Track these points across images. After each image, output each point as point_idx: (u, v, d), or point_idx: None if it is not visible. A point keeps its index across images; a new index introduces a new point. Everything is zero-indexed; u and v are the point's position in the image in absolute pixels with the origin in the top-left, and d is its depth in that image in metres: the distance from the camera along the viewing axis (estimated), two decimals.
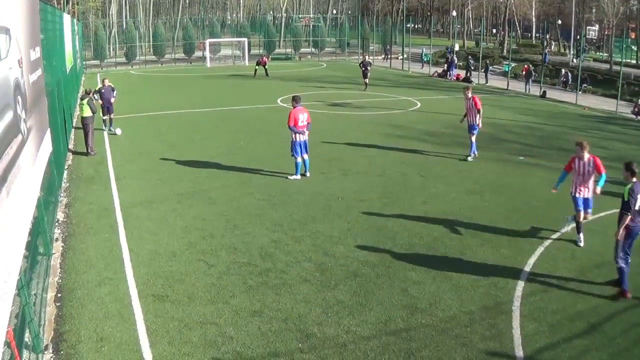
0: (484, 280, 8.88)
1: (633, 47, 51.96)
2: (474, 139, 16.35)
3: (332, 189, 13.53)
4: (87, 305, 8.01)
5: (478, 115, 16.09)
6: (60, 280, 8.77)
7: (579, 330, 7.45)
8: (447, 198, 13.01)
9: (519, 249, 10.09)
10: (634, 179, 8.33)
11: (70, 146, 17.67)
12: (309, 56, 59.08)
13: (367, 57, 36.95)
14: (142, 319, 7.63)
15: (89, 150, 16.78)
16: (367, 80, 32.44)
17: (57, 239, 10.31)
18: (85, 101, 17.00)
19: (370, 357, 6.84)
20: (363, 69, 32.75)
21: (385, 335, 7.31)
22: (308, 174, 14.43)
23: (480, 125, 16.26)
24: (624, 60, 34.41)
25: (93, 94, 18.45)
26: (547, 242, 10.39)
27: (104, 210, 12.06)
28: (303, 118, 13.96)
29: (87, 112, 16.76)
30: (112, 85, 20.47)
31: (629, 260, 8.42)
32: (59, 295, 8.31)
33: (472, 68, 41.14)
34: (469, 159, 16.33)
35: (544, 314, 7.85)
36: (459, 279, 8.92)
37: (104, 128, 19.91)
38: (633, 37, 54.05)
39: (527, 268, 9.31)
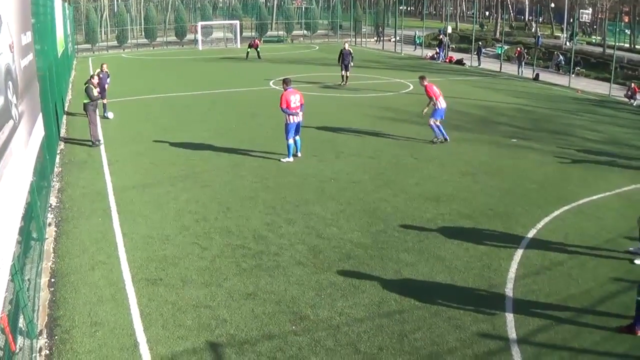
0: (477, 262, 8.93)
1: (626, 30, 51.86)
2: (431, 121, 16.22)
3: (325, 171, 13.53)
4: (80, 289, 8.01)
5: (431, 101, 16.19)
6: (53, 265, 8.76)
7: (571, 312, 7.51)
8: (440, 180, 13.04)
9: (511, 231, 10.14)
10: None
11: (62, 133, 17.36)
12: (301, 38, 58.66)
13: (346, 44, 28.51)
14: (136, 303, 7.64)
15: (92, 140, 16.04)
16: (348, 74, 27.20)
17: (50, 224, 10.27)
18: (84, 87, 16.56)
19: (363, 339, 6.88)
20: (343, 59, 27.14)
21: (378, 318, 7.35)
22: (299, 154, 14.44)
23: (441, 105, 16.16)
24: (617, 44, 34.30)
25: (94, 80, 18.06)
26: (539, 224, 10.45)
27: (97, 194, 12.01)
28: (295, 99, 13.91)
29: (86, 99, 16.40)
30: (109, 72, 20.42)
31: None
32: (53, 280, 8.30)
33: (449, 47, 42.84)
34: (434, 140, 16.24)
35: (537, 296, 7.91)
36: (452, 260, 8.97)
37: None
38: (626, 20, 53.94)
39: (520, 250, 9.35)
